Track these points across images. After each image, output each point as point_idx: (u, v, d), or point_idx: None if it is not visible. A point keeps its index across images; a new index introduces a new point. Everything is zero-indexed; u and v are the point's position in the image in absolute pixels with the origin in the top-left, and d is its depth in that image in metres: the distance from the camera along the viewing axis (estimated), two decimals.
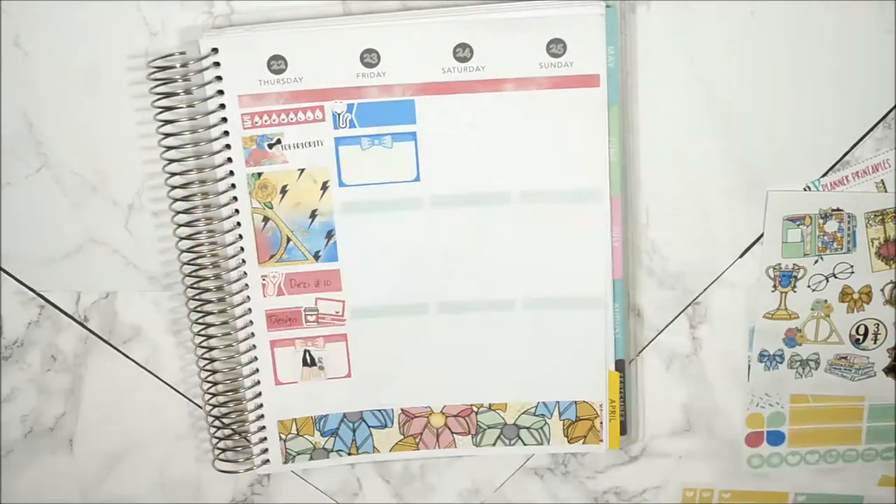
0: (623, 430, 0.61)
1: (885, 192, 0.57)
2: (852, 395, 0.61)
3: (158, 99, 0.54)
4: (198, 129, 0.55)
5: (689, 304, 0.60)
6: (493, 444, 0.61)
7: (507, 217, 0.56)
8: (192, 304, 0.58)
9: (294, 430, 0.60)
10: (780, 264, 0.58)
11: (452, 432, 0.61)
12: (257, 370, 0.59)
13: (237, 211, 0.56)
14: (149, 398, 0.62)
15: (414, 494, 0.65)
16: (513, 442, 0.61)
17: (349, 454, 0.61)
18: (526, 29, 0.53)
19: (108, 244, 0.58)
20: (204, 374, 0.59)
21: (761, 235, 0.58)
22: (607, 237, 0.56)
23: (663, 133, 0.56)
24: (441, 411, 0.60)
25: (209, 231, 0.56)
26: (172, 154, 0.55)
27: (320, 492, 0.64)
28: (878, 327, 0.59)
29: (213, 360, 0.59)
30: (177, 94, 0.54)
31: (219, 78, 0.54)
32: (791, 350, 0.60)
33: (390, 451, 0.61)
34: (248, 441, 0.61)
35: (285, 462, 0.61)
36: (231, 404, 0.60)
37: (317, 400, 0.60)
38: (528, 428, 0.60)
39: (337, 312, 0.58)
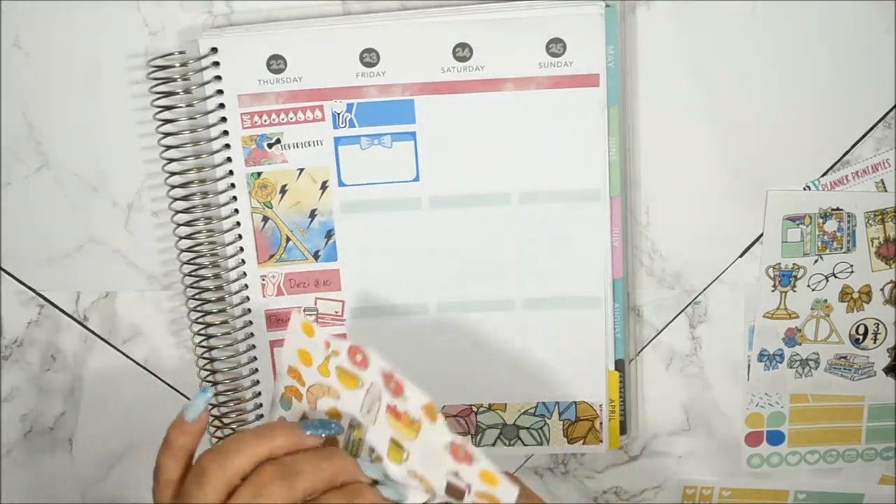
0: (623, 429, 0.61)
1: (885, 191, 0.57)
2: (852, 395, 0.61)
3: (158, 99, 0.54)
4: (197, 129, 0.55)
5: (689, 303, 0.60)
6: (493, 445, 0.61)
7: (507, 217, 0.56)
8: (192, 304, 0.58)
9: None
10: (779, 264, 0.58)
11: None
12: (257, 370, 0.59)
13: (237, 211, 0.56)
14: (149, 398, 0.62)
15: None
16: (512, 442, 0.61)
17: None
18: (525, 28, 0.53)
19: (108, 244, 0.58)
20: (204, 374, 0.59)
21: (761, 235, 0.58)
22: (607, 237, 0.56)
23: (663, 133, 0.56)
24: (440, 411, 0.60)
25: (209, 231, 0.56)
26: (172, 154, 0.55)
27: None
28: (877, 327, 0.59)
29: (212, 360, 0.59)
30: (176, 94, 0.54)
31: (218, 78, 0.54)
32: (791, 350, 0.60)
33: None
34: None
35: None
36: (231, 404, 0.60)
37: None
38: (527, 428, 0.60)
39: (336, 312, 0.58)
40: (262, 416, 0.60)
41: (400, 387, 0.48)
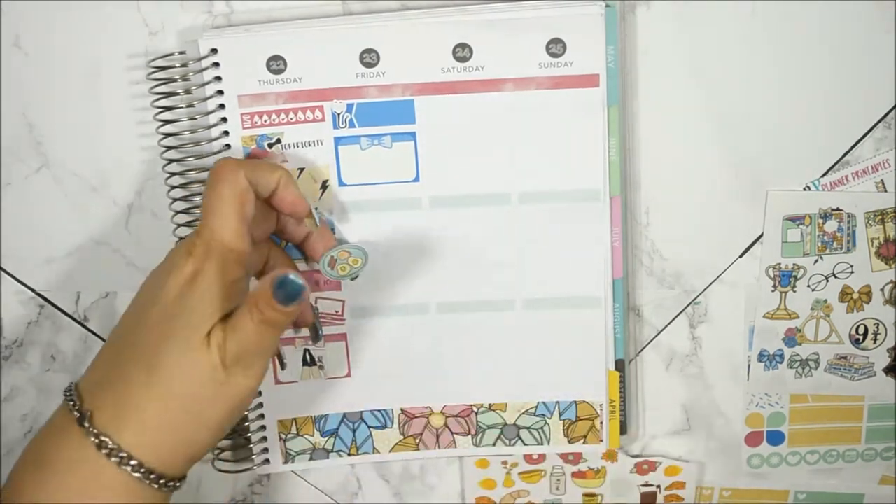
0: (623, 429, 0.61)
1: (885, 191, 0.57)
2: (852, 395, 0.61)
3: (158, 99, 0.54)
4: (197, 129, 0.55)
5: (689, 303, 0.60)
6: (493, 445, 0.61)
7: (507, 217, 0.56)
8: None
9: (294, 430, 0.60)
10: (779, 264, 0.58)
11: (452, 432, 0.61)
12: None
13: None
14: None
15: (414, 494, 0.65)
16: (513, 442, 0.61)
17: (349, 454, 0.61)
18: (525, 29, 0.53)
19: (108, 244, 0.58)
20: None
21: (761, 235, 0.58)
22: (607, 237, 0.56)
23: (663, 133, 0.56)
24: (441, 411, 0.60)
25: None
26: (172, 154, 0.55)
27: (320, 492, 0.64)
28: (877, 327, 0.59)
29: None
30: (176, 94, 0.54)
31: (218, 78, 0.54)
32: (791, 350, 0.60)
33: (390, 451, 0.61)
34: (247, 441, 0.60)
35: (285, 462, 0.61)
36: None
37: (317, 400, 0.60)
38: (528, 428, 0.60)
39: (336, 312, 0.58)
40: (262, 415, 0.60)
41: (578, 455, 0.61)
